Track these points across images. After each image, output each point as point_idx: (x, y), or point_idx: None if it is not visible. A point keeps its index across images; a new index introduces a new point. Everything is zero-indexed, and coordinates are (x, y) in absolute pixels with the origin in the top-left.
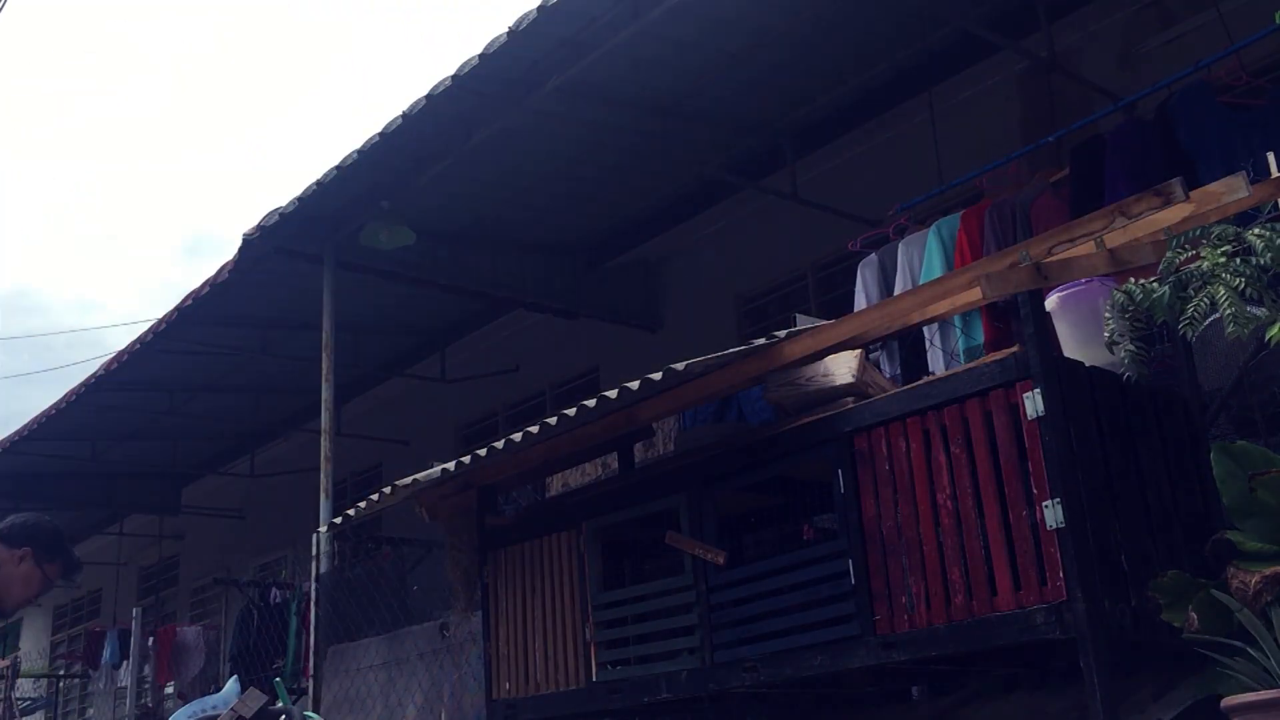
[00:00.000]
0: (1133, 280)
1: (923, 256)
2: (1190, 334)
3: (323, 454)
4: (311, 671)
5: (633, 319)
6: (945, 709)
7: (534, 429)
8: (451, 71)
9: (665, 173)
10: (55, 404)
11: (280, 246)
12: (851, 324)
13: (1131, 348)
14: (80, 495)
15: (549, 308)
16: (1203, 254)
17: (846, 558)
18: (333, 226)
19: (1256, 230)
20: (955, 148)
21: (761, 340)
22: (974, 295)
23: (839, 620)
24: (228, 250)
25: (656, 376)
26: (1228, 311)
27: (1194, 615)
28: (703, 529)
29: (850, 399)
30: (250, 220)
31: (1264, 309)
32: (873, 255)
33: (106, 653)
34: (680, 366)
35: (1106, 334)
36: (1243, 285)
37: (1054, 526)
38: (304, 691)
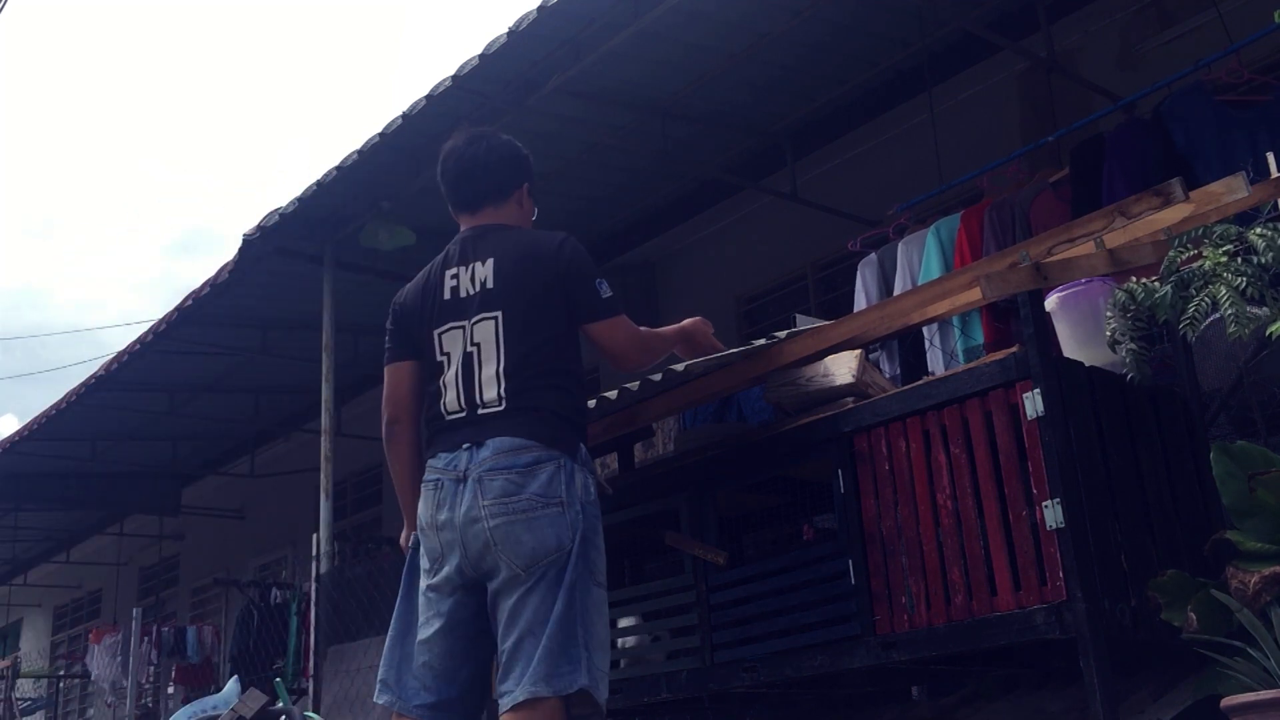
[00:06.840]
0: (1134, 279)
1: (922, 257)
2: (1191, 334)
3: (323, 454)
4: (311, 671)
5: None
6: (945, 709)
7: None
8: (451, 72)
9: (665, 173)
10: (55, 404)
11: (280, 246)
12: (851, 324)
13: (1134, 347)
14: (80, 495)
15: None
16: (1205, 253)
17: (846, 558)
18: (333, 226)
19: (1258, 230)
20: (955, 148)
21: (761, 340)
22: (974, 295)
23: (839, 620)
24: (223, 246)
25: (656, 377)
26: (1229, 311)
27: (1194, 615)
28: (703, 529)
29: (850, 399)
30: (247, 218)
31: (1265, 309)
32: (872, 255)
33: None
34: (680, 367)
35: (1108, 333)
36: (1244, 285)
37: (1054, 526)
38: (304, 691)
